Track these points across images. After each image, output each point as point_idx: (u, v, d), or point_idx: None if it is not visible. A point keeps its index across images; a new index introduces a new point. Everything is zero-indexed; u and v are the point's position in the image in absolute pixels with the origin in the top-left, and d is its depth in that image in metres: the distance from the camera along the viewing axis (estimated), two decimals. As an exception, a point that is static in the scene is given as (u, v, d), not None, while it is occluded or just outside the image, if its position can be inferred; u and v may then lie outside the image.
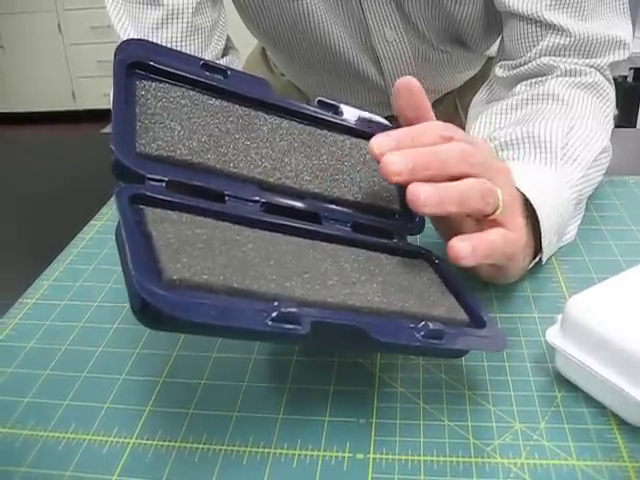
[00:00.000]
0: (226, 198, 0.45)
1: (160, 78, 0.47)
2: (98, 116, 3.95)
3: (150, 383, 0.45)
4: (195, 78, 0.48)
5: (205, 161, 0.45)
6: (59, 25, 3.80)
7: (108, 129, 0.45)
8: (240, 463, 0.39)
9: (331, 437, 0.40)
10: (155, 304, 0.32)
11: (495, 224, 0.45)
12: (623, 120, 1.86)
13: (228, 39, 0.79)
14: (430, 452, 0.39)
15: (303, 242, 0.45)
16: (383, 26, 0.80)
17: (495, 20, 0.79)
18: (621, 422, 0.40)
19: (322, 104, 0.52)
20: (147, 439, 0.41)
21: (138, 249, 0.35)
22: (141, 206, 0.40)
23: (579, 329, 0.42)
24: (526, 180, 0.51)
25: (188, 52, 0.71)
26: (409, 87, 0.46)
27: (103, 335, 0.50)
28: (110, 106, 0.44)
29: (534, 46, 0.68)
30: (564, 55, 0.67)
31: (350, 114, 0.53)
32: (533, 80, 0.68)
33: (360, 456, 0.39)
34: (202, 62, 0.49)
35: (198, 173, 0.45)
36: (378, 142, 0.42)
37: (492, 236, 0.44)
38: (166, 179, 0.43)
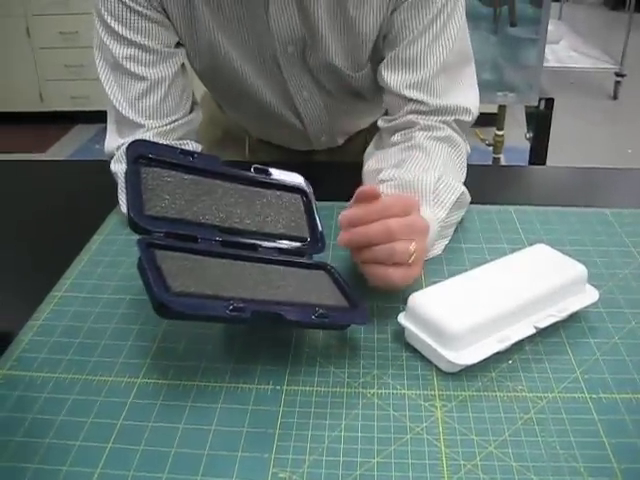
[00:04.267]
0: (199, 240, 0.70)
1: (155, 164, 0.73)
2: (64, 117, 4.17)
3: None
4: (175, 162, 0.74)
5: (185, 217, 0.71)
6: (27, 29, 3.97)
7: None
8: None
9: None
10: (166, 304, 0.57)
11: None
12: (536, 141, 2.17)
13: (192, 95, 1.03)
14: (325, 385, 0.65)
15: (247, 264, 0.71)
16: (301, 90, 1.06)
17: None
18: (437, 369, 0.66)
19: (257, 170, 0.79)
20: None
21: (154, 275, 0.61)
22: (151, 249, 0.65)
23: (415, 314, 0.68)
24: None
25: (163, 112, 0.94)
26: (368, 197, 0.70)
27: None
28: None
29: (402, 108, 0.96)
30: (423, 115, 0.95)
31: (276, 174, 0.80)
32: (403, 132, 0.96)
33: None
34: (179, 150, 0.75)
35: (181, 225, 0.71)
36: (341, 218, 0.69)
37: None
38: (164, 231, 0.68)
